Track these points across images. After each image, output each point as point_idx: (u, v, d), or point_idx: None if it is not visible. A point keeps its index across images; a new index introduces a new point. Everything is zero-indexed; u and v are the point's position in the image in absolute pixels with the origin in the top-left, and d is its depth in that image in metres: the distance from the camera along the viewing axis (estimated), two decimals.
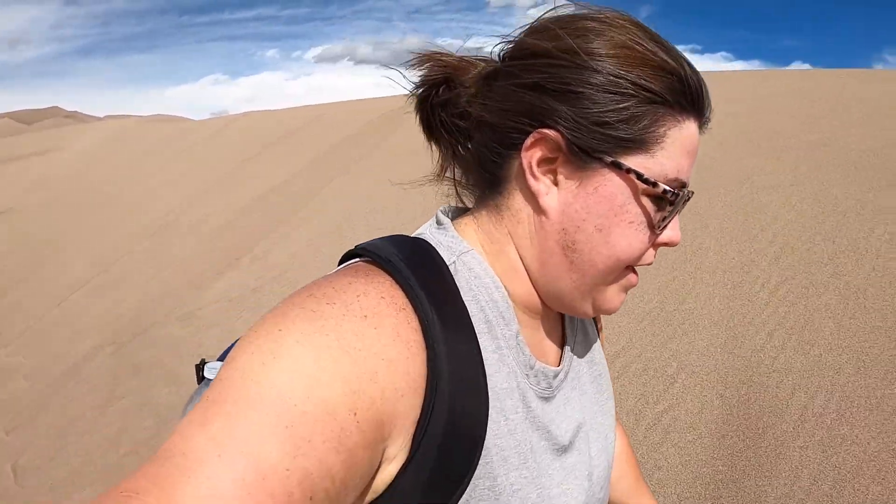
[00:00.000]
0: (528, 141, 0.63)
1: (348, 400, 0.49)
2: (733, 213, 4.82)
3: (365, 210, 6.95)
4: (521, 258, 0.69)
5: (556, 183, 0.65)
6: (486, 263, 0.68)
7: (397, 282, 0.58)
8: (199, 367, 0.78)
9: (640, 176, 0.62)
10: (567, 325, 0.80)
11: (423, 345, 0.56)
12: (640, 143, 0.62)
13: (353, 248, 0.66)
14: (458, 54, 0.72)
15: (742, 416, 2.97)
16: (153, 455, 0.45)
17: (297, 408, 0.47)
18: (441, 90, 0.72)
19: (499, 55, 0.70)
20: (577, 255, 0.65)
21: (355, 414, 0.49)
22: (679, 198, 0.64)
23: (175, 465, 0.44)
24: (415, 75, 0.73)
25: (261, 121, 13.86)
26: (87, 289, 7.33)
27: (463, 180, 0.76)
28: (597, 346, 0.86)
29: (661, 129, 0.62)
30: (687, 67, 0.63)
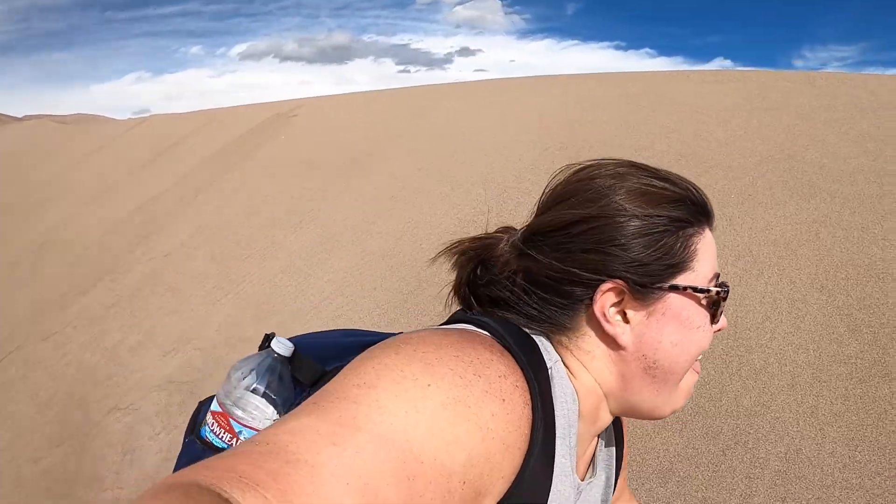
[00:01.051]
0: (597, 295, 0.72)
1: (464, 470, 0.54)
2: None
3: (214, 226, 7.44)
4: (598, 384, 0.77)
5: (626, 321, 0.74)
6: (568, 378, 0.74)
7: (523, 374, 0.64)
8: (269, 337, 0.80)
9: (695, 289, 0.73)
10: (597, 451, 0.89)
11: (528, 441, 0.61)
12: (684, 263, 0.74)
13: (467, 314, 0.76)
14: (478, 235, 0.82)
15: None
16: (262, 444, 0.48)
17: (423, 465, 0.51)
18: (479, 271, 0.81)
19: (524, 232, 0.79)
20: (659, 371, 0.75)
21: (464, 483, 0.54)
22: (726, 292, 0.76)
23: (301, 472, 0.46)
24: (449, 270, 0.82)
25: (158, 127, 13.93)
26: None
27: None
28: (610, 472, 0.91)
29: (693, 246, 0.75)
30: (691, 189, 0.77)
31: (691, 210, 0.76)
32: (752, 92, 7.27)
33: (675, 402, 0.80)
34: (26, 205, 11.30)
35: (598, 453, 0.90)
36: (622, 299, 0.74)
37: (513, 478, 0.60)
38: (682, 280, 0.74)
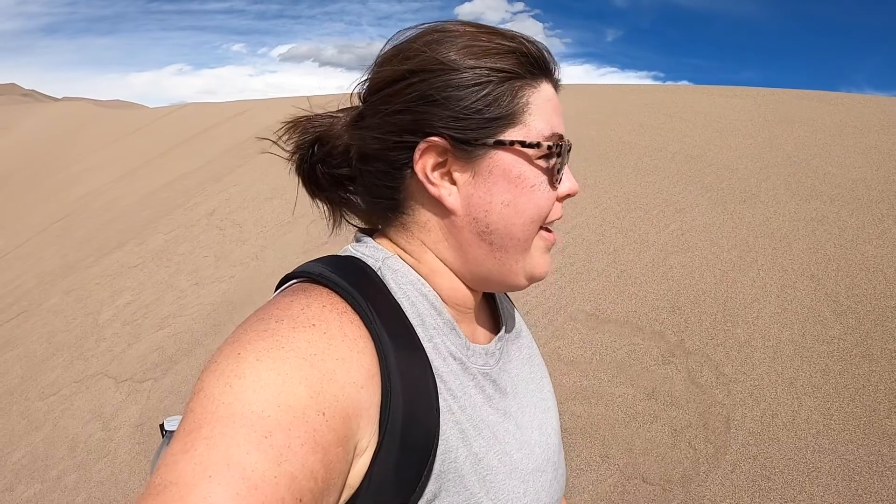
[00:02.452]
0: (416, 155, 0.66)
1: (314, 402, 0.51)
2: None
3: (237, 205, 7.69)
4: (441, 260, 0.71)
5: (453, 182, 0.68)
6: (408, 266, 0.70)
7: (333, 291, 0.61)
8: (161, 426, 0.78)
9: (523, 143, 0.67)
10: (500, 312, 0.85)
11: (370, 338, 0.59)
12: (511, 117, 0.67)
13: (285, 275, 0.68)
14: (321, 111, 0.76)
15: None
16: (143, 492, 0.45)
17: (270, 418, 0.48)
18: (316, 148, 0.76)
19: (359, 97, 0.73)
20: (495, 236, 0.68)
21: (324, 413, 0.51)
22: (562, 148, 0.69)
23: (169, 495, 0.44)
24: (289, 142, 0.76)
25: (192, 114, 14.24)
26: (3, 261, 8.24)
27: (357, 219, 0.79)
28: (526, 331, 0.90)
29: (524, 99, 0.67)
30: (525, 42, 0.69)
31: (522, 61, 0.68)
32: (767, 107, 7.32)
33: (530, 269, 0.73)
34: (62, 175, 11.69)
35: (502, 311, 0.86)
36: (446, 160, 0.67)
37: (378, 380, 0.58)
38: (509, 135, 0.67)
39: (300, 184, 0.80)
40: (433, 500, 0.61)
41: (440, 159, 0.67)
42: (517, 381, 0.79)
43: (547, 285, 4.19)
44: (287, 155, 0.78)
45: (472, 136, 0.66)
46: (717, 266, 4.02)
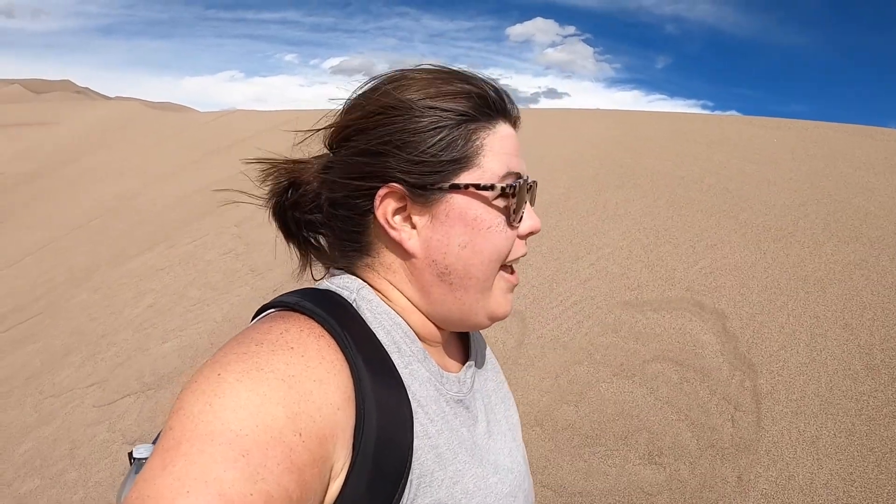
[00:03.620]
0: (377, 200, 0.67)
1: (291, 422, 0.52)
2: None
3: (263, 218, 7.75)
4: (407, 299, 0.73)
5: (413, 226, 0.69)
6: (380, 297, 0.72)
7: (311, 318, 0.62)
8: (130, 454, 0.79)
9: (477, 186, 0.68)
10: (471, 346, 0.86)
11: (345, 362, 0.60)
12: (466, 160, 0.68)
13: (262, 305, 0.69)
14: (292, 158, 0.77)
15: None
16: None
17: (248, 437, 0.49)
18: (290, 193, 0.76)
19: (328, 146, 0.75)
20: (454, 276, 0.70)
21: (300, 434, 0.52)
22: (518, 188, 0.70)
23: None
24: (263, 187, 0.77)
25: (238, 120, 14.40)
26: (38, 255, 8.38)
27: (328, 262, 0.79)
28: (494, 362, 0.92)
29: (477, 141, 0.68)
30: (483, 84, 0.70)
31: (476, 104, 0.69)
32: (810, 140, 7.03)
33: (491, 309, 0.74)
34: (105, 173, 11.90)
35: (472, 345, 0.87)
36: (405, 204, 0.69)
37: (353, 403, 0.59)
38: (463, 178, 0.69)
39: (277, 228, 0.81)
40: None
41: (400, 204, 0.69)
42: (488, 408, 0.81)
43: (565, 318, 4.02)
44: (260, 201, 0.79)
45: (428, 181, 0.67)
46: (744, 308, 3.80)
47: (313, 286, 0.74)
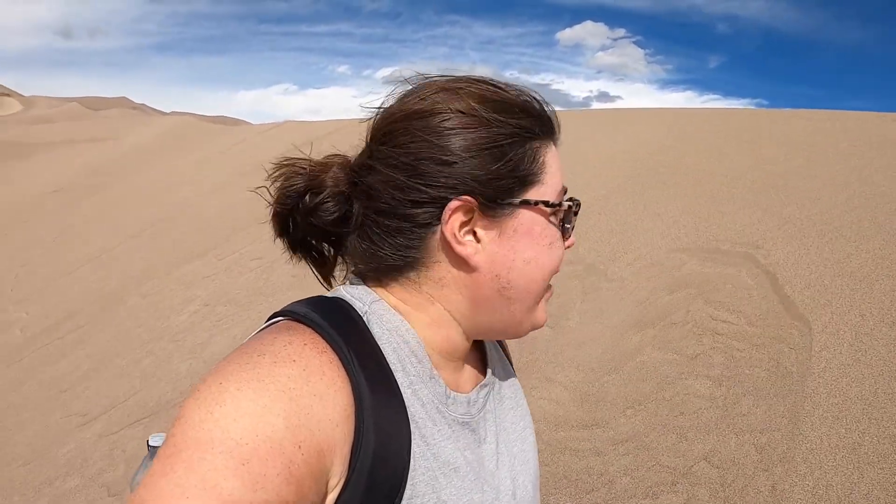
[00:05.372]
0: (447, 213, 0.64)
1: (291, 434, 0.52)
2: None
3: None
4: (448, 311, 0.71)
5: (478, 240, 0.67)
6: (395, 312, 0.69)
7: (316, 331, 0.61)
8: (147, 441, 0.80)
9: (546, 203, 0.68)
10: (488, 362, 0.83)
11: (347, 379, 0.59)
12: (533, 177, 0.67)
13: (273, 313, 0.68)
14: (308, 157, 0.72)
15: None
16: None
17: (248, 446, 0.49)
18: (308, 198, 0.71)
19: (371, 137, 0.70)
20: (514, 291, 0.69)
21: (300, 447, 0.52)
22: (577, 206, 0.72)
23: None
24: (274, 189, 0.72)
25: (289, 132, 14.56)
26: (93, 263, 8.61)
27: (353, 268, 0.75)
28: (514, 380, 0.89)
29: (541, 158, 0.68)
30: (538, 100, 0.70)
31: (537, 121, 0.69)
32: (861, 132, 6.67)
33: (535, 320, 0.74)
34: (161, 185, 12.19)
35: (490, 361, 0.83)
36: (471, 218, 0.66)
37: (352, 420, 0.58)
38: (532, 194, 0.68)
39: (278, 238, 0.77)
40: None
41: (466, 218, 0.66)
42: (498, 430, 0.78)
43: (595, 323, 3.87)
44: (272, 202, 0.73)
45: (500, 196, 0.66)
46: (786, 306, 3.59)
47: (326, 294, 0.72)
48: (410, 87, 0.70)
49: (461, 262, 0.67)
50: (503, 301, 0.69)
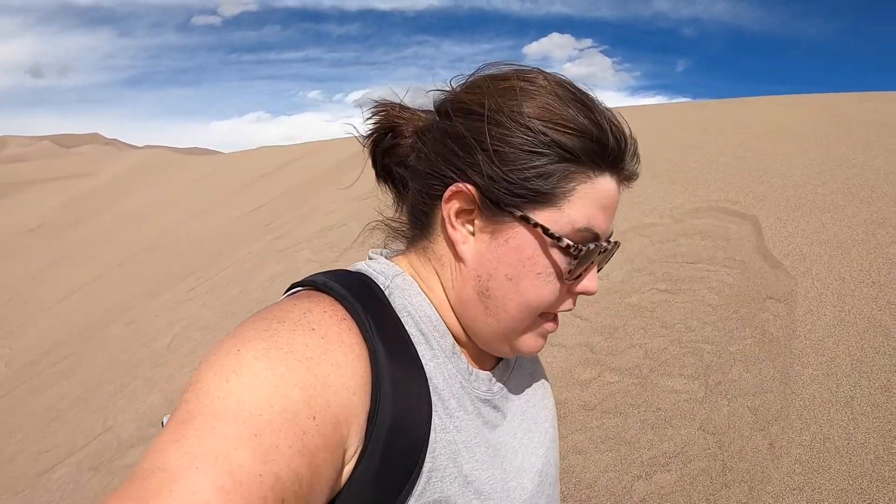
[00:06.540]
0: (447, 193, 0.64)
1: (306, 405, 0.50)
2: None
3: (290, 242, 7.83)
4: (446, 297, 0.69)
5: (472, 233, 0.66)
6: (418, 286, 0.69)
7: (336, 299, 0.60)
8: (162, 422, 0.85)
9: (545, 230, 0.62)
10: None
11: (365, 347, 0.57)
12: (548, 198, 0.62)
13: (292, 283, 0.67)
14: (404, 104, 0.73)
15: None
16: (130, 476, 0.45)
17: (262, 417, 0.48)
18: (388, 137, 0.72)
19: (434, 107, 0.70)
20: (491, 302, 0.65)
21: (314, 418, 0.50)
22: (585, 251, 0.64)
23: (156, 480, 0.43)
24: (367, 124, 0.73)
25: (259, 158, 14.55)
26: (78, 295, 8.49)
27: (401, 221, 0.76)
28: (536, 359, 0.87)
29: (571, 185, 0.62)
30: (607, 127, 0.63)
31: (587, 147, 0.62)
32: (826, 112, 6.78)
33: (518, 346, 0.69)
34: (140, 216, 12.12)
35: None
36: (473, 209, 0.65)
37: (369, 388, 0.56)
38: (538, 215, 0.62)
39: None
40: None
41: (467, 207, 0.65)
42: (520, 410, 0.77)
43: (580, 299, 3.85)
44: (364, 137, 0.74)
45: (503, 201, 0.62)
46: (768, 276, 3.60)
47: (347, 268, 0.70)
48: (500, 69, 0.68)
49: (453, 246, 0.67)
50: (483, 309, 0.67)
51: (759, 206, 4.52)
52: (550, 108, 0.62)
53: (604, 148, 0.63)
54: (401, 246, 0.76)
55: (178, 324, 5.97)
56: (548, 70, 0.67)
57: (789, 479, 2.30)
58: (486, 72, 0.68)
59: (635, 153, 0.67)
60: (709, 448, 2.53)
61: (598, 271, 0.70)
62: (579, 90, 0.65)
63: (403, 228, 0.75)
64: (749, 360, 2.97)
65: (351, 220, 7.11)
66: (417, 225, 0.71)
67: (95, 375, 5.35)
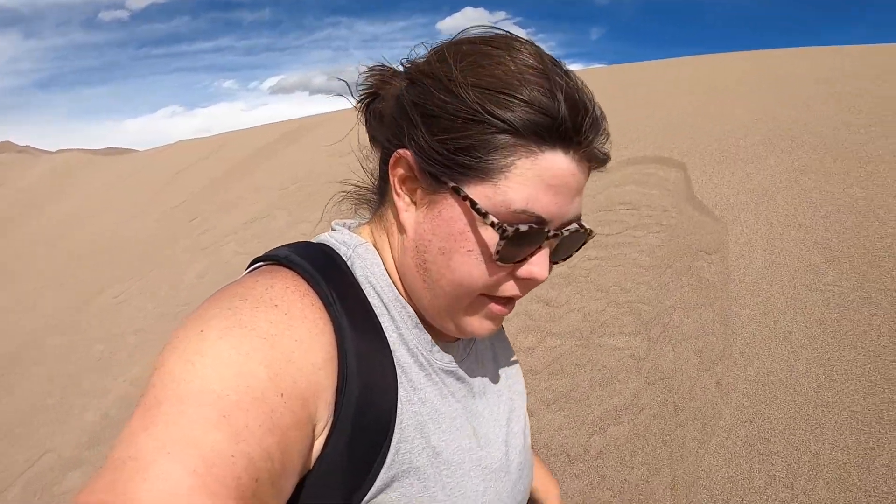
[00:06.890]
0: (392, 159, 0.63)
1: (273, 383, 0.49)
2: None
3: (218, 234, 7.67)
4: (395, 267, 0.67)
5: (414, 202, 0.64)
6: (379, 257, 0.67)
7: (298, 273, 0.59)
8: None
9: (473, 205, 0.58)
10: None
11: (329, 321, 0.56)
12: (483, 172, 0.58)
13: (254, 258, 0.65)
14: (396, 70, 0.69)
15: None
16: (103, 466, 0.44)
17: (229, 398, 0.46)
18: (376, 100, 0.70)
19: (408, 77, 0.65)
20: (428, 276, 0.63)
21: (282, 395, 0.49)
22: (514, 233, 0.58)
23: (128, 469, 0.42)
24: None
25: (175, 153, 14.09)
26: (5, 311, 8.06)
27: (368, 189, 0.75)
28: (501, 331, 0.86)
29: (509, 159, 0.57)
30: (560, 97, 0.56)
31: (533, 119, 0.56)
32: (743, 69, 7.01)
33: (462, 326, 0.65)
34: (64, 223, 11.58)
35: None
36: (417, 178, 0.62)
37: (335, 363, 0.55)
38: (472, 189, 0.58)
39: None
40: (385, 489, 0.58)
41: (409, 174, 0.63)
42: (485, 381, 0.76)
43: None
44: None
45: (438, 171, 0.60)
46: (700, 224, 3.71)
47: (309, 240, 0.69)
48: (470, 33, 0.64)
49: (398, 214, 0.65)
50: (421, 282, 0.64)
51: (687, 157, 4.65)
52: (496, 76, 0.57)
53: (552, 121, 0.56)
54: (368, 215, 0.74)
55: (112, 329, 5.76)
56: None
57: (739, 412, 2.39)
58: (461, 37, 0.64)
59: (600, 129, 0.59)
60: (658, 395, 2.60)
61: (565, 259, 0.67)
62: (545, 60, 0.59)
63: (371, 197, 0.74)
64: (688, 306, 3.06)
65: (275, 209, 7.00)
66: (379, 192, 0.71)
67: (39, 389, 5.11)
